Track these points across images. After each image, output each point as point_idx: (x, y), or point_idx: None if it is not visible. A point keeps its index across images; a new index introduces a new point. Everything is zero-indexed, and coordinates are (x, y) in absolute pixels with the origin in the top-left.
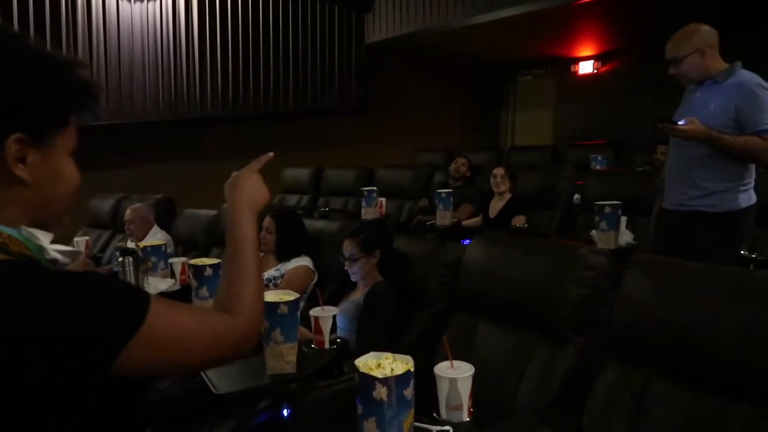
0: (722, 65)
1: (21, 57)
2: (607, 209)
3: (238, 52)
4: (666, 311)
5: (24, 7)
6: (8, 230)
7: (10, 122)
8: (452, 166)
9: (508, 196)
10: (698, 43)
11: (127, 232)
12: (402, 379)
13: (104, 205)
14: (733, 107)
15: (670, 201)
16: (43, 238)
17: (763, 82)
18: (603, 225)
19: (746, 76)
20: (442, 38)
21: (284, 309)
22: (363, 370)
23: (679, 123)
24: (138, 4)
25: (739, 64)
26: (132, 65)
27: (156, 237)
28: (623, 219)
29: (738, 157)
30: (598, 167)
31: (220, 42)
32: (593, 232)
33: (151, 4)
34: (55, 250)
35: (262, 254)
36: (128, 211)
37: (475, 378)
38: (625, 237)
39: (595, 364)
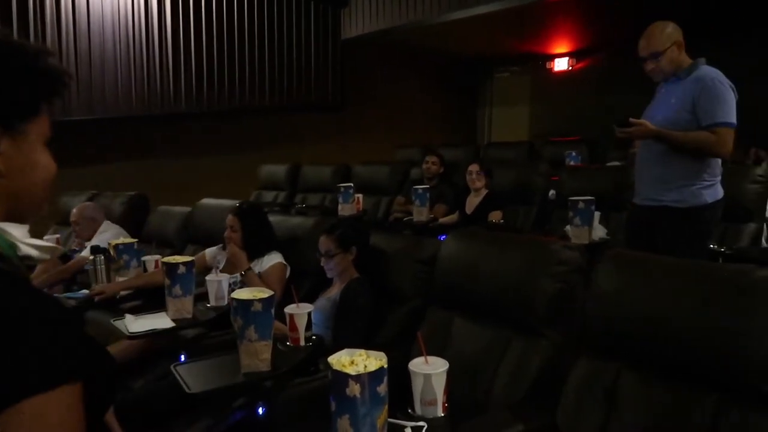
0: (688, 61)
1: None
2: (581, 205)
3: (212, 46)
4: (636, 305)
5: None
6: None
7: None
8: (423, 166)
9: (484, 192)
10: (674, 38)
11: (74, 233)
12: (375, 376)
13: (75, 202)
14: (691, 100)
15: (639, 196)
16: (17, 232)
17: (723, 78)
18: (577, 220)
19: (707, 70)
20: (419, 34)
21: (258, 306)
22: (336, 367)
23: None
24: None
25: (703, 60)
26: (103, 59)
27: (105, 234)
28: (597, 214)
29: (690, 152)
30: (572, 163)
31: (194, 36)
32: (567, 227)
33: None
34: (32, 245)
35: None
36: (73, 212)
37: (450, 373)
38: (599, 232)
39: (569, 359)
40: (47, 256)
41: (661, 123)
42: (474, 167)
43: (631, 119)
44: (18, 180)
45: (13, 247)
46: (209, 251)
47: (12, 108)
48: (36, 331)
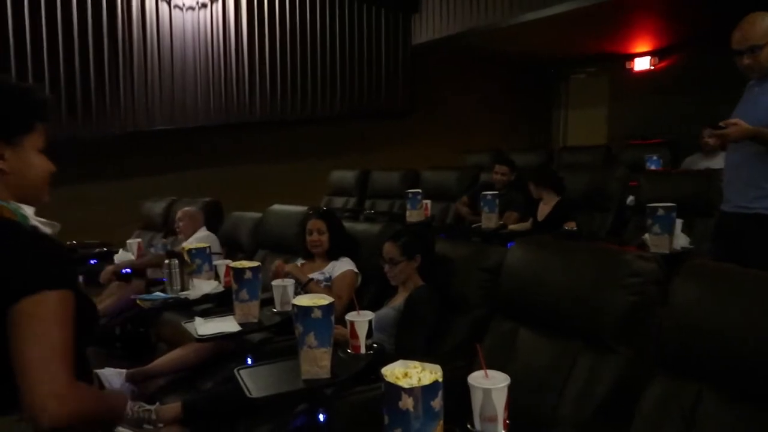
0: None
1: None
2: (660, 211)
3: (286, 56)
4: (718, 321)
5: (83, 18)
6: (2, 202)
7: None
8: (493, 177)
9: (555, 199)
10: None
11: (177, 230)
12: (429, 390)
13: (156, 207)
14: None
15: (728, 203)
16: (27, 210)
17: None
18: (656, 228)
19: None
20: (490, 37)
21: (318, 313)
22: (389, 379)
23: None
24: (189, 12)
25: None
26: (184, 72)
27: (200, 236)
28: (678, 222)
29: None
30: (653, 167)
31: (268, 47)
32: (646, 235)
33: (202, 12)
34: (38, 221)
35: (302, 261)
36: (179, 213)
37: (511, 388)
38: (681, 241)
39: (643, 377)
40: (48, 230)
41: (754, 124)
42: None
43: (723, 122)
44: (19, 176)
45: (25, 218)
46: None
47: (12, 127)
48: (51, 250)
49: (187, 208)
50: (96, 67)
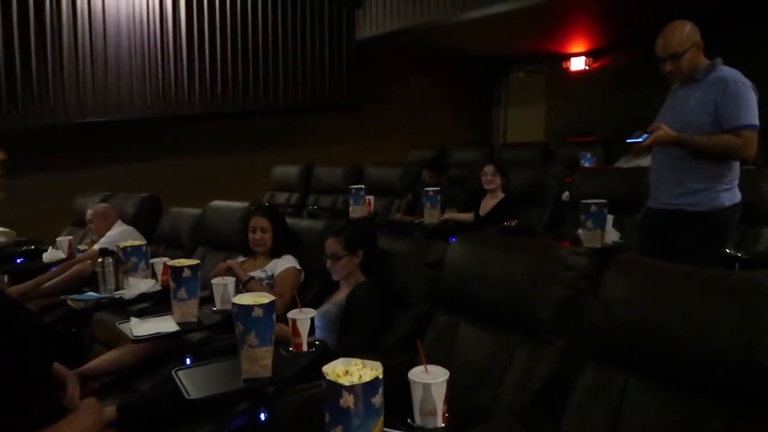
0: (704, 61)
1: None
2: (593, 208)
3: (226, 47)
4: (644, 313)
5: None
6: None
7: None
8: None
9: (500, 195)
10: (693, 39)
11: (90, 230)
12: (370, 387)
13: (89, 203)
14: (712, 102)
15: (654, 200)
16: None
17: (743, 78)
18: (589, 224)
19: (726, 71)
20: (433, 34)
21: (259, 312)
22: (330, 377)
23: (642, 137)
24: None
25: (719, 60)
26: (119, 61)
27: (116, 232)
28: (610, 218)
29: (714, 155)
30: (587, 165)
31: (208, 37)
32: (580, 230)
33: None
34: None
35: (243, 259)
36: (88, 213)
37: (451, 383)
38: (612, 236)
39: (575, 367)
40: (2, 239)
41: (679, 127)
42: (489, 168)
43: (649, 128)
44: None
45: None
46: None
47: None
48: None
49: (98, 205)
50: (22, 53)
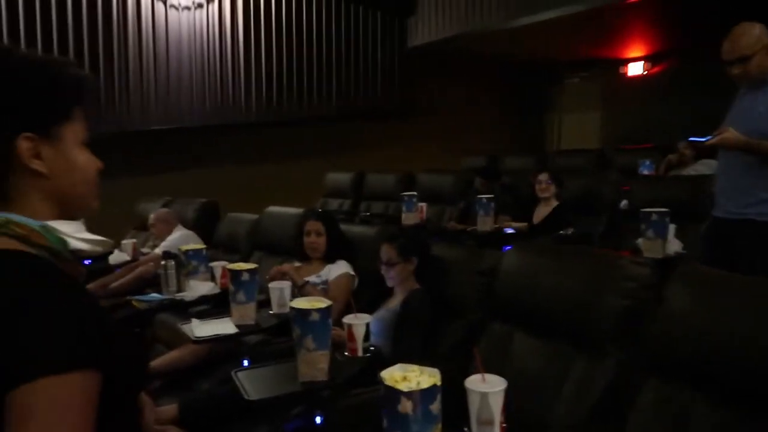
0: None
1: (15, 65)
2: (654, 216)
3: (281, 58)
4: (711, 326)
5: (78, 17)
6: (32, 223)
7: (15, 124)
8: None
9: (554, 202)
10: (763, 41)
11: (152, 234)
12: (428, 393)
13: (151, 208)
14: None
15: (720, 209)
16: (68, 228)
17: None
18: (649, 233)
19: None
20: (485, 41)
21: (316, 316)
22: (388, 382)
23: (706, 138)
24: (185, 12)
25: None
26: (180, 72)
27: (177, 236)
28: (672, 227)
29: None
30: (645, 172)
31: (264, 48)
32: (639, 240)
33: (198, 11)
34: (83, 239)
35: (298, 264)
36: (151, 217)
37: (508, 392)
38: (674, 246)
39: (636, 380)
40: (99, 249)
41: (746, 132)
42: (544, 176)
43: (716, 132)
44: (62, 179)
45: (62, 242)
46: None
47: (45, 116)
48: (61, 318)
49: (159, 210)
50: (91, 67)
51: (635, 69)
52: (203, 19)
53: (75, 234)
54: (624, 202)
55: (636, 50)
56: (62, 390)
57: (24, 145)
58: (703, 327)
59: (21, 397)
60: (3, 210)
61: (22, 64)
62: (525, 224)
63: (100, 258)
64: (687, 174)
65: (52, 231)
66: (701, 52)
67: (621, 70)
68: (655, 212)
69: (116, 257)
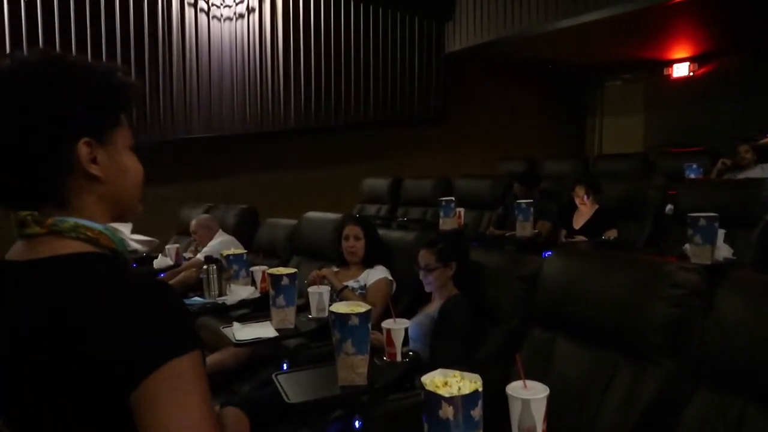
0: None
1: (71, 71)
2: (702, 221)
3: (320, 65)
4: (762, 334)
5: (125, 28)
6: (98, 226)
7: (75, 129)
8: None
9: (594, 206)
10: None
11: (194, 241)
12: (469, 399)
13: (194, 214)
14: None
15: None
16: (124, 230)
17: None
18: (697, 238)
19: None
20: (524, 45)
21: (355, 321)
22: (429, 387)
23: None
24: (227, 22)
25: None
26: (221, 81)
27: (218, 241)
28: (721, 232)
29: None
30: (692, 176)
31: (303, 57)
32: (686, 246)
33: (239, 22)
34: (136, 240)
35: (337, 269)
36: (192, 224)
37: (550, 399)
38: (723, 252)
39: (685, 390)
40: (146, 248)
41: None
42: (580, 190)
43: None
44: (115, 183)
45: (123, 243)
46: None
47: (100, 121)
48: (167, 308)
49: (201, 216)
50: (137, 76)
51: (680, 70)
52: (244, 29)
53: (129, 236)
54: (669, 207)
55: (681, 51)
56: (188, 367)
57: (83, 149)
58: (756, 335)
59: (152, 385)
60: (63, 214)
61: (76, 69)
62: (615, 231)
63: (145, 261)
64: (744, 177)
65: (116, 233)
66: (748, 52)
67: (665, 72)
68: (703, 217)
69: (160, 262)
